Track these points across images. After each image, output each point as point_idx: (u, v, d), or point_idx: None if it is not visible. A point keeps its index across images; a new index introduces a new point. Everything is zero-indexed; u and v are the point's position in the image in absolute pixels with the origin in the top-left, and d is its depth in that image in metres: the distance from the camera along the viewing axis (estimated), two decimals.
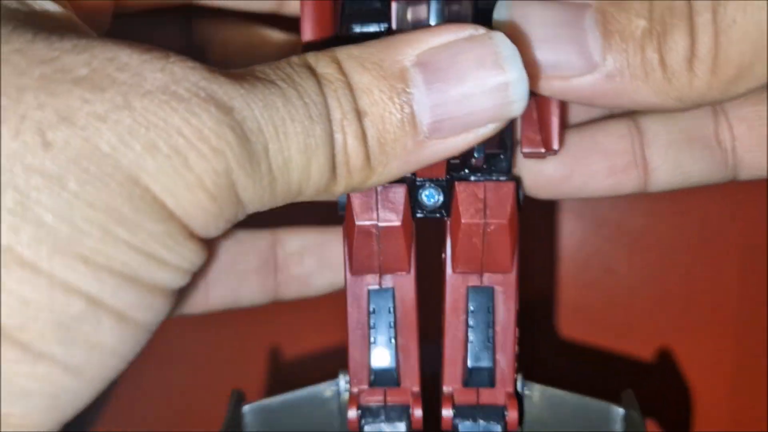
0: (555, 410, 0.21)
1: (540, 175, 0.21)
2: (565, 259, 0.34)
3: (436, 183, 0.20)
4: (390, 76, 0.14)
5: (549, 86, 0.16)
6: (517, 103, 0.15)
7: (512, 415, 0.20)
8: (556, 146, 0.19)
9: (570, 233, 0.34)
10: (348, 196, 0.20)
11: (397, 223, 0.19)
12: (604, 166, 0.20)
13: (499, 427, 0.20)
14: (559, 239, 0.34)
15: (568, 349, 0.35)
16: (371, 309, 0.21)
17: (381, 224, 0.19)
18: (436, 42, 0.15)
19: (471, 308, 0.20)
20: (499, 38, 0.15)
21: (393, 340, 0.20)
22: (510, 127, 0.19)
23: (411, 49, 0.15)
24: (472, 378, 0.20)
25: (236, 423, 0.20)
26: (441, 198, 0.20)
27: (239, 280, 0.22)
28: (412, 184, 0.20)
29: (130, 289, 0.13)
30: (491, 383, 0.20)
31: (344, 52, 0.15)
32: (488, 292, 0.20)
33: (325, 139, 0.14)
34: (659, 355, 0.34)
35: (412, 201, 0.20)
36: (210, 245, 0.15)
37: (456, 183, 0.19)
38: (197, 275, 0.16)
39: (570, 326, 0.35)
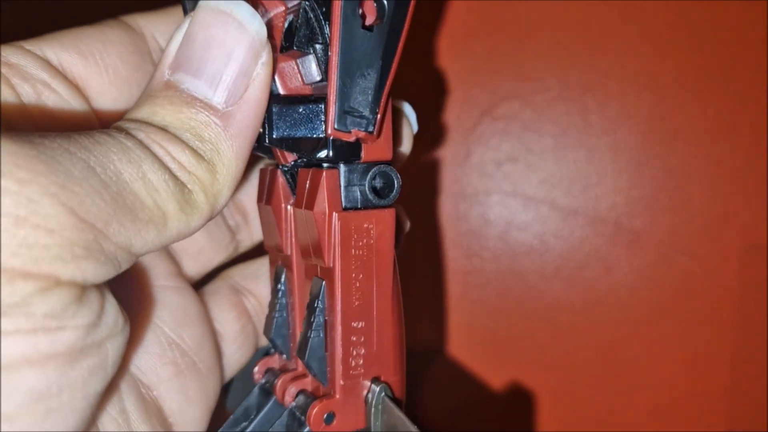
0: None
1: None
2: (564, 259, 0.34)
3: (294, 169, 0.20)
4: (159, 93, 0.16)
5: None
6: (257, 27, 0.17)
7: (311, 413, 0.19)
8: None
9: (569, 233, 0.34)
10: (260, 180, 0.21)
11: (270, 204, 0.21)
12: None
13: (303, 419, 0.20)
14: (557, 239, 0.34)
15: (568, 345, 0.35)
16: (274, 284, 0.22)
17: (265, 204, 0.21)
18: (174, 47, 0.17)
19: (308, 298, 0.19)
20: (207, 3, 0.17)
21: (275, 314, 0.21)
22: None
23: (162, 68, 0.17)
24: (309, 367, 0.20)
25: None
26: None
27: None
28: (288, 171, 0.20)
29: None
30: (322, 379, 0.20)
31: (127, 114, 0.17)
32: (318, 285, 0.19)
33: (144, 152, 0.15)
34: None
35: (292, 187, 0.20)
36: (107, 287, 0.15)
37: (299, 169, 0.20)
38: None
39: (569, 326, 0.35)
